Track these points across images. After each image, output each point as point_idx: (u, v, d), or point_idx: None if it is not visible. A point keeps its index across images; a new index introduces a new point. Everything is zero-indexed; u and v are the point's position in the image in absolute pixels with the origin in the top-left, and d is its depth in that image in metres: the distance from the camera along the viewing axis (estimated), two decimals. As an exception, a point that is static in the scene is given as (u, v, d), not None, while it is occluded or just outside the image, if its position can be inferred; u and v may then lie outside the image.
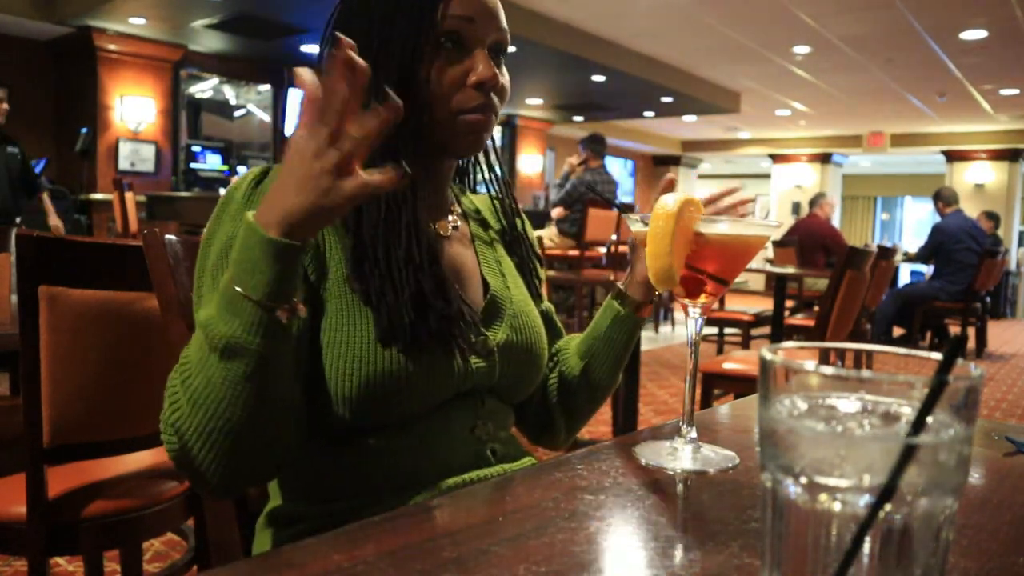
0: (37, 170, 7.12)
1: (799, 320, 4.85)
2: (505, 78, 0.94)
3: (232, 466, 0.76)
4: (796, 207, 13.59)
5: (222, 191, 4.94)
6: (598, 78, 8.70)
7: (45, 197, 5.70)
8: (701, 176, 16.70)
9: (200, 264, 0.87)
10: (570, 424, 1.11)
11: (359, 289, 0.85)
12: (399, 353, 0.84)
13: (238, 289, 0.71)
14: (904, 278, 10.82)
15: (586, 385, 1.07)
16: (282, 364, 0.76)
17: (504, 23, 0.93)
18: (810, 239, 7.25)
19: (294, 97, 8.94)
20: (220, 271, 0.83)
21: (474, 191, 1.14)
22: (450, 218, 1.02)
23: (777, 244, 7.26)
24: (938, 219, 7.19)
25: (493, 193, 1.10)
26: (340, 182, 0.68)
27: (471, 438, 0.92)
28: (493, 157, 1.07)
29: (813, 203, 7.70)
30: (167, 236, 0.99)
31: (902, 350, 0.43)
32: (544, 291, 1.14)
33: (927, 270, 7.71)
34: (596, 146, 6.36)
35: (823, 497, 0.37)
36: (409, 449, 0.88)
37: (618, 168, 14.14)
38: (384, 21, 0.88)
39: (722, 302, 5.61)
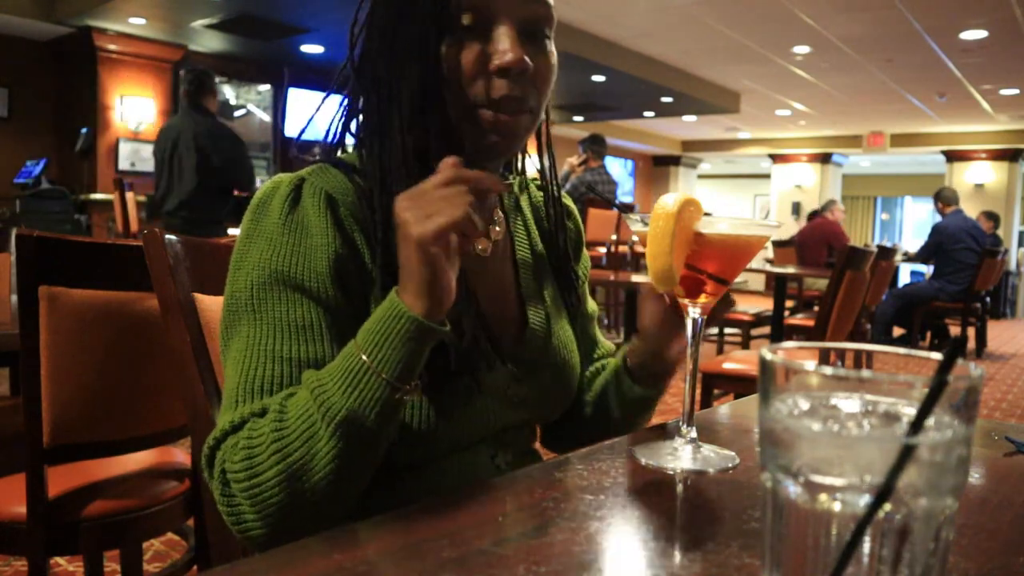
0: (37, 170, 7.14)
1: (799, 320, 4.85)
2: (545, 61, 0.81)
3: (290, 528, 0.70)
4: (796, 207, 13.59)
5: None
6: (598, 78, 8.70)
7: None
8: (701, 176, 16.70)
9: (231, 287, 0.80)
10: (579, 439, 1.01)
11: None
12: (423, 397, 0.78)
13: (366, 359, 0.69)
14: (904, 278, 10.81)
15: (603, 429, 0.98)
16: (387, 443, 0.73)
17: None
18: (817, 236, 7.32)
19: (294, 97, 8.96)
20: (263, 299, 0.77)
21: (521, 175, 1.01)
22: (489, 229, 0.90)
23: (785, 244, 7.27)
24: (938, 219, 7.19)
25: (544, 183, 0.98)
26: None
27: (490, 465, 0.88)
28: (542, 145, 0.95)
29: (824, 208, 7.78)
30: (167, 236, 0.99)
31: (902, 350, 0.43)
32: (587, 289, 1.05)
33: (927, 270, 7.72)
34: (596, 146, 6.36)
35: (823, 497, 0.37)
36: (424, 477, 0.83)
37: (618, 168, 14.14)
38: (404, 2, 0.79)
39: (722, 302, 5.59)
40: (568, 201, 1.05)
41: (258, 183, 5.95)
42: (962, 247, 6.86)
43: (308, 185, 0.81)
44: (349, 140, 0.90)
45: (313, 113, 0.93)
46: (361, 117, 0.87)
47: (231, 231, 4.63)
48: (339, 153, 0.89)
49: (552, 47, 0.83)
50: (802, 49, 7.73)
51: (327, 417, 0.68)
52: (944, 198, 7.20)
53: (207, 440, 0.75)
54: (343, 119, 0.89)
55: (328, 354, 0.76)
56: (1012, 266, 11.41)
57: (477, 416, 0.84)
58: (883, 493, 0.35)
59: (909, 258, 8.20)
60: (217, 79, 4.96)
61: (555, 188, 0.99)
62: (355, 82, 0.86)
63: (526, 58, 0.77)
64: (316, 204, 0.79)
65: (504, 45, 0.77)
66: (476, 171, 0.71)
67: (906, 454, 0.35)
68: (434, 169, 0.76)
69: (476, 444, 0.87)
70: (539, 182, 1.01)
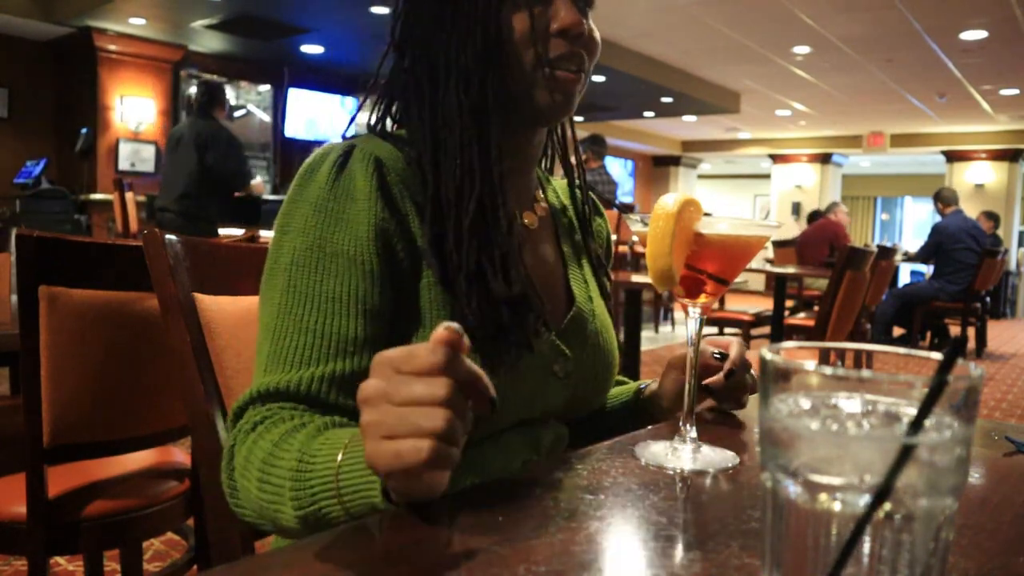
0: (37, 170, 7.14)
1: (799, 320, 4.85)
2: (591, 28, 0.87)
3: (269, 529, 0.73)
4: (796, 207, 13.59)
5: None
6: (598, 78, 8.69)
7: None
8: (701, 176, 16.70)
9: (273, 251, 0.81)
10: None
11: (435, 266, 0.80)
12: (477, 359, 0.78)
13: (335, 490, 0.63)
14: (904, 278, 10.81)
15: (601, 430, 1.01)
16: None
17: None
18: (820, 237, 7.35)
19: (294, 97, 8.96)
20: (301, 266, 0.78)
21: (550, 172, 1.07)
22: (535, 206, 0.96)
23: (785, 244, 7.29)
24: (938, 219, 7.20)
25: (572, 179, 1.03)
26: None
27: (528, 452, 0.88)
28: (568, 134, 1.00)
29: (828, 209, 7.83)
30: (167, 236, 0.99)
31: (902, 350, 0.43)
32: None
33: (927, 270, 7.72)
34: (596, 147, 6.37)
35: (823, 497, 0.37)
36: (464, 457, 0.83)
37: (618, 168, 14.14)
38: None
39: (722, 302, 5.61)
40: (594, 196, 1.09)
41: (258, 180, 6.01)
42: (962, 247, 6.87)
43: (358, 151, 0.82)
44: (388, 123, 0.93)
45: (355, 112, 0.96)
46: (411, 88, 0.88)
47: (223, 231, 4.71)
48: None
49: (593, 24, 0.88)
50: (802, 49, 7.74)
51: (295, 505, 0.66)
52: (944, 198, 7.20)
53: (237, 400, 0.77)
54: (386, 92, 0.91)
55: (358, 328, 0.77)
56: (1012, 266, 11.41)
57: (523, 389, 0.84)
58: (882, 493, 0.35)
59: (909, 258, 8.21)
60: (217, 79, 5.05)
61: (581, 173, 1.03)
62: (402, 47, 0.88)
63: (583, 20, 0.83)
64: (364, 169, 0.80)
65: (564, 9, 0.83)
66: (470, 367, 0.58)
67: (905, 454, 0.35)
68: (491, 134, 0.80)
69: (516, 428, 0.87)
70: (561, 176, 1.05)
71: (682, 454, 0.77)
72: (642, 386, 1.05)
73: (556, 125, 0.99)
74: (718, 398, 0.97)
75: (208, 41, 8.07)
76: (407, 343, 0.76)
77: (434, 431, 0.55)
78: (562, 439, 0.95)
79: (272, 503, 0.68)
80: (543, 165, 1.04)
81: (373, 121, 0.92)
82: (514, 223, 0.87)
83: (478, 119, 0.83)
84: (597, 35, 0.88)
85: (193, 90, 4.96)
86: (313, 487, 0.64)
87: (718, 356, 0.94)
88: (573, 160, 1.01)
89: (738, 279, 0.92)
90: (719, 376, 0.93)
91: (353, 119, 0.94)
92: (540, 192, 0.99)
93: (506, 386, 0.80)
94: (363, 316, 0.78)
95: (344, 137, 0.89)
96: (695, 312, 0.81)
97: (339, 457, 0.63)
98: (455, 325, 0.56)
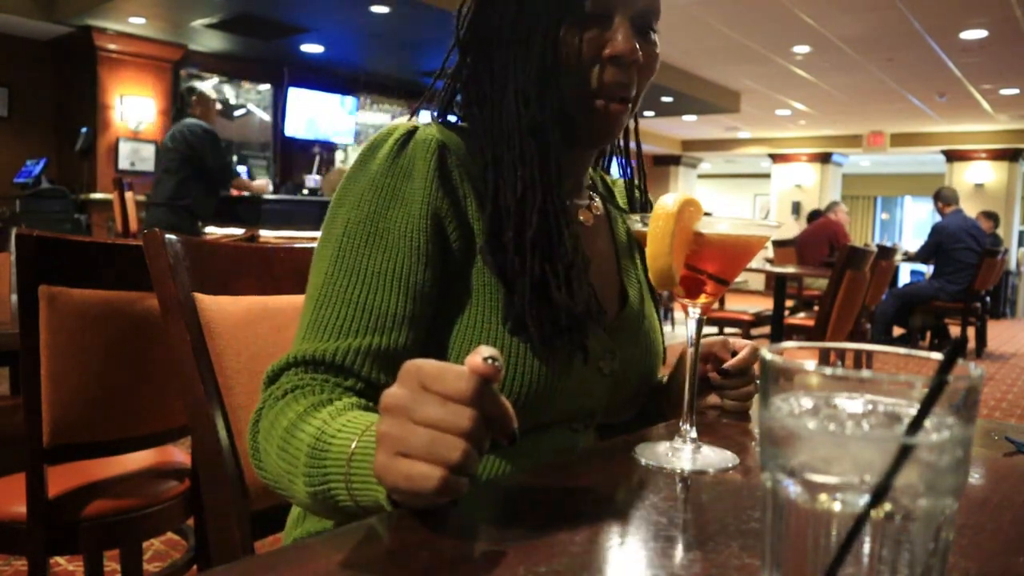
0: (37, 170, 7.14)
1: (799, 320, 4.85)
2: (651, 53, 0.87)
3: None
4: (796, 207, 13.59)
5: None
6: (598, 78, 8.68)
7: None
8: (701, 176, 16.69)
9: (328, 221, 0.83)
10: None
11: (492, 263, 0.81)
12: (526, 348, 0.80)
13: (344, 477, 0.63)
14: (904, 278, 10.81)
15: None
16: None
17: None
18: (820, 236, 7.35)
19: (294, 97, 8.95)
20: (352, 238, 0.80)
21: (607, 171, 1.08)
22: (591, 204, 0.97)
23: (785, 244, 7.29)
24: (938, 219, 7.19)
25: (629, 179, 1.04)
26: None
27: (564, 451, 0.87)
28: (629, 135, 1.02)
29: (828, 208, 7.83)
30: (167, 236, 0.99)
31: (902, 350, 0.43)
32: None
33: (927, 270, 7.72)
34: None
35: (823, 497, 0.37)
36: (501, 451, 0.82)
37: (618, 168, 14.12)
38: None
39: (722, 302, 5.61)
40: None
41: (261, 181, 6.04)
42: (962, 247, 6.86)
43: (421, 131, 0.83)
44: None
45: (418, 105, 0.97)
46: (472, 85, 0.89)
47: (223, 231, 4.76)
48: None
49: (657, 39, 0.89)
50: (802, 49, 7.73)
51: (307, 481, 0.66)
52: (944, 198, 7.20)
53: (273, 364, 0.79)
54: (451, 87, 0.92)
55: (398, 305, 0.78)
56: (1012, 266, 11.41)
57: (569, 383, 0.84)
58: (879, 492, 0.35)
59: (909, 258, 8.21)
60: (217, 79, 5.08)
61: (642, 176, 1.04)
62: (466, 47, 0.89)
63: (636, 49, 0.84)
64: (426, 149, 0.82)
65: (620, 34, 0.83)
66: (499, 401, 0.56)
67: (904, 454, 0.35)
68: (551, 149, 0.81)
69: (556, 425, 0.87)
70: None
71: (682, 454, 0.77)
72: None
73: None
74: (723, 396, 0.97)
75: (208, 40, 8.07)
76: (455, 325, 0.80)
77: (448, 462, 0.53)
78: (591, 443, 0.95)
79: (288, 472, 0.69)
80: (600, 164, 1.06)
81: (438, 112, 0.93)
82: (579, 239, 0.88)
83: (536, 134, 0.84)
84: (656, 54, 0.88)
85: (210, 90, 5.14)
86: (327, 467, 0.64)
87: (732, 354, 0.95)
88: (632, 153, 1.02)
89: (738, 279, 0.92)
90: (715, 373, 0.94)
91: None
92: (595, 189, 1.00)
93: (553, 381, 0.82)
94: (406, 294, 0.79)
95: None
96: (695, 312, 0.81)
97: (353, 444, 0.63)
98: (495, 354, 0.54)
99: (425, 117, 0.94)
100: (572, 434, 0.89)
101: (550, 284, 0.81)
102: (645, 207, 1.04)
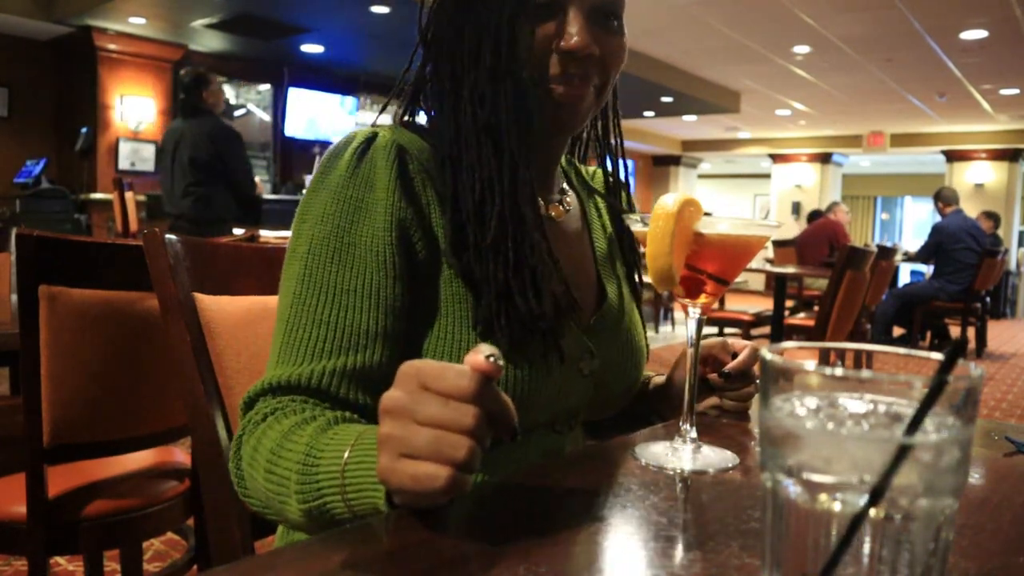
0: (37, 170, 7.14)
1: (799, 320, 4.85)
2: (613, 43, 0.84)
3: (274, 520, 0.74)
4: (796, 207, 13.59)
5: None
6: (598, 78, 8.68)
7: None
8: (701, 176, 16.69)
9: (293, 239, 0.81)
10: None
11: (457, 267, 0.79)
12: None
13: (339, 489, 0.62)
14: (904, 278, 10.81)
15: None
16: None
17: None
18: (820, 236, 7.35)
19: (294, 97, 8.95)
20: (317, 256, 0.77)
21: (583, 162, 1.05)
22: (562, 199, 0.94)
23: (785, 244, 7.30)
24: (938, 219, 7.20)
25: (607, 168, 1.01)
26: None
27: (548, 453, 0.87)
28: (609, 126, 0.98)
29: (828, 209, 7.83)
30: (167, 236, 0.99)
31: (902, 350, 0.43)
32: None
33: (927, 270, 7.72)
34: (596, 146, 6.34)
35: (823, 497, 0.37)
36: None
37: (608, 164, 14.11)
38: None
39: (722, 302, 5.61)
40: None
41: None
42: (962, 247, 6.86)
43: (381, 137, 0.81)
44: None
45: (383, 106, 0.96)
46: (431, 84, 0.88)
47: (236, 231, 4.61)
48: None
49: (623, 29, 0.86)
50: (802, 49, 7.73)
51: (300, 499, 0.65)
52: (944, 198, 7.20)
53: (248, 390, 0.77)
54: (414, 87, 0.90)
55: (371, 321, 0.76)
56: (1012, 266, 11.41)
57: (548, 387, 0.82)
58: (877, 492, 0.35)
59: (909, 258, 8.21)
60: (217, 78, 4.94)
61: (623, 166, 1.01)
62: (425, 50, 0.88)
63: (591, 43, 0.81)
64: (386, 156, 0.80)
65: (572, 28, 0.80)
66: (500, 398, 0.56)
67: (902, 454, 0.35)
68: (506, 142, 0.79)
69: (539, 427, 0.86)
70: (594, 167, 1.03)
71: (682, 454, 0.77)
72: (646, 378, 1.04)
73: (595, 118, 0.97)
74: (723, 397, 0.97)
75: (208, 40, 8.07)
76: (426, 336, 0.78)
77: (455, 461, 0.53)
78: (580, 442, 0.94)
79: (278, 494, 0.67)
80: (577, 154, 1.03)
81: (401, 113, 0.91)
82: (548, 238, 0.85)
83: (492, 135, 0.82)
84: (621, 42, 0.85)
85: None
86: (319, 482, 0.64)
87: (732, 356, 0.94)
88: (612, 143, 0.99)
89: (738, 279, 0.92)
90: (714, 375, 0.94)
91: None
92: (568, 183, 0.97)
93: (530, 383, 0.80)
94: (378, 309, 0.77)
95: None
96: (695, 312, 0.81)
97: (346, 455, 0.63)
98: (496, 352, 0.55)
99: (387, 118, 0.93)
100: (556, 436, 0.88)
101: (514, 291, 0.79)
102: (624, 197, 1.01)
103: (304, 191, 0.84)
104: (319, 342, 0.75)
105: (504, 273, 0.79)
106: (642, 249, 0.79)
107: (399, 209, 0.79)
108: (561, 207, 0.93)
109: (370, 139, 0.81)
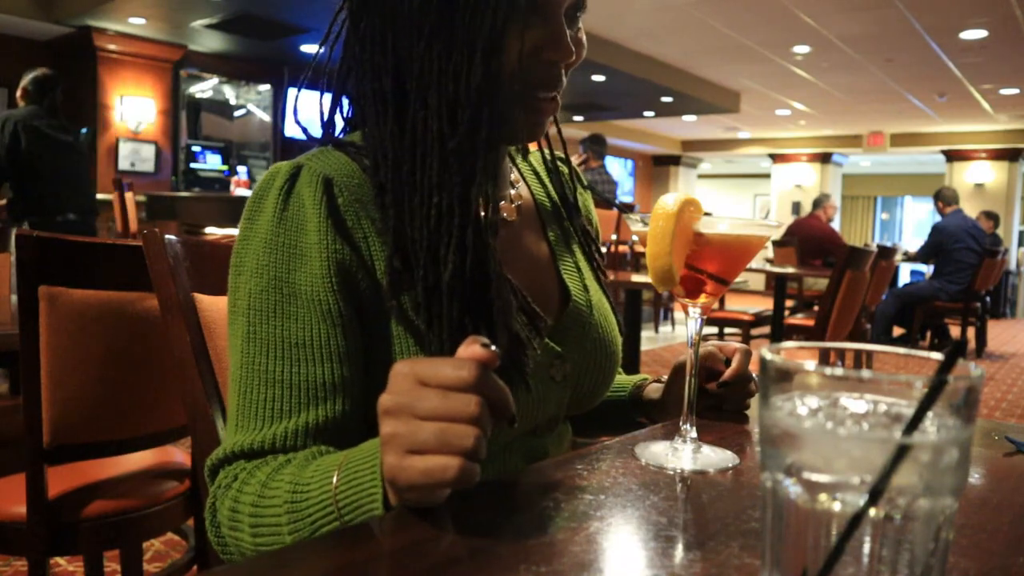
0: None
1: (799, 320, 4.85)
2: (580, 42, 0.79)
3: None
4: (796, 207, 13.60)
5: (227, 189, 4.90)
6: (598, 78, 8.69)
7: None
8: (701, 176, 16.70)
9: (231, 296, 0.75)
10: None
11: (395, 311, 0.73)
12: None
13: (335, 512, 0.62)
14: (904, 278, 10.82)
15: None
16: None
17: None
18: (809, 242, 7.27)
19: (291, 97, 8.95)
20: (259, 310, 0.72)
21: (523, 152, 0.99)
22: (513, 193, 0.88)
23: (776, 244, 7.27)
24: (938, 219, 7.20)
25: (546, 155, 0.95)
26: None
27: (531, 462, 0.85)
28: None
29: (817, 204, 7.72)
30: (167, 236, 0.99)
31: (902, 350, 0.43)
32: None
33: (927, 270, 7.72)
34: (596, 146, 6.36)
35: (823, 497, 0.37)
36: None
37: (618, 168, 14.14)
38: None
39: (722, 302, 5.61)
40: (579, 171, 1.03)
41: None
42: (962, 247, 6.87)
43: (305, 171, 0.75)
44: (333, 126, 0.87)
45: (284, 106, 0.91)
46: (365, 87, 0.79)
47: (223, 231, 4.60)
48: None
49: (582, 24, 0.81)
50: (802, 49, 7.74)
51: (295, 538, 0.64)
52: (944, 198, 7.20)
53: (210, 456, 0.74)
54: (337, 85, 0.85)
55: (325, 374, 0.72)
56: (1012, 266, 11.41)
57: (522, 404, 0.78)
58: (875, 492, 0.35)
59: (909, 258, 8.21)
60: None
61: (563, 148, 0.98)
62: (361, 61, 0.79)
63: (574, 51, 0.77)
64: (312, 193, 0.74)
65: (558, 36, 0.75)
66: (498, 385, 0.56)
67: (901, 454, 0.35)
68: (479, 163, 0.72)
69: (519, 439, 0.84)
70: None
71: (682, 454, 0.77)
72: (639, 382, 1.03)
73: None
74: (722, 402, 0.97)
75: (208, 41, 8.07)
76: (385, 374, 0.65)
77: (463, 450, 0.54)
78: (565, 438, 0.94)
79: (271, 545, 0.65)
80: (519, 148, 0.97)
81: (324, 120, 0.84)
82: (503, 276, 0.76)
83: (462, 157, 0.73)
84: (584, 40, 0.80)
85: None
86: (312, 514, 0.62)
87: (727, 363, 0.93)
88: (562, 151, 0.96)
89: (738, 279, 0.92)
90: (713, 384, 0.94)
91: (284, 112, 0.90)
92: (515, 174, 0.91)
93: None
94: (331, 360, 0.72)
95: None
96: (695, 312, 0.81)
97: (335, 479, 0.62)
98: (487, 341, 0.55)
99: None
100: (538, 439, 0.87)
101: (468, 330, 0.72)
102: (565, 171, 0.97)
103: (236, 239, 0.78)
104: (275, 402, 0.71)
105: (460, 313, 0.72)
106: (641, 249, 0.79)
107: (334, 252, 0.73)
108: (513, 204, 0.87)
109: (294, 175, 0.75)
